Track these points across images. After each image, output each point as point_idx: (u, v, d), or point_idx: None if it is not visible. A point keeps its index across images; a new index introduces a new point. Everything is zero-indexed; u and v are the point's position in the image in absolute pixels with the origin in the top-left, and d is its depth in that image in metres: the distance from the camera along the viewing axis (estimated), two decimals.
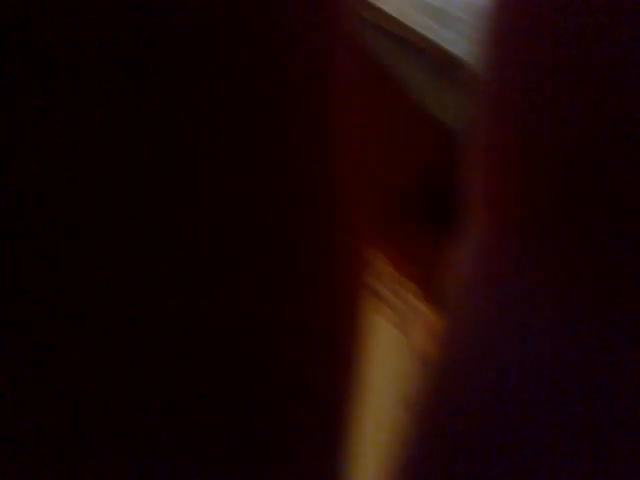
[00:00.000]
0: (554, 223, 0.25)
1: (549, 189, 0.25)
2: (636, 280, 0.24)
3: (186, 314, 0.22)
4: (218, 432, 0.23)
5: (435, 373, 0.29)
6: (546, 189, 0.25)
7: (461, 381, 0.28)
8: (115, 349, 0.21)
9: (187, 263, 0.21)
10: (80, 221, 0.20)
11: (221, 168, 0.21)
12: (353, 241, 0.26)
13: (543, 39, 0.25)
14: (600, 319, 0.24)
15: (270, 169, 0.22)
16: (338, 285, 0.25)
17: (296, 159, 0.23)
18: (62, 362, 0.21)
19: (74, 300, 0.20)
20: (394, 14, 0.36)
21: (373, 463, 0.30)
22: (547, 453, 0.25)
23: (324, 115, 0.24)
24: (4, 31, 0.18)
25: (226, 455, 0.23)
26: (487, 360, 0.27)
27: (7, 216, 0.19)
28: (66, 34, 0.18)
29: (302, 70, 0.22)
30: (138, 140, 0.20)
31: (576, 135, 0.24)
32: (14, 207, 0.19)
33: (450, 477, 0.28)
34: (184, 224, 0.21)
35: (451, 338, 0.29)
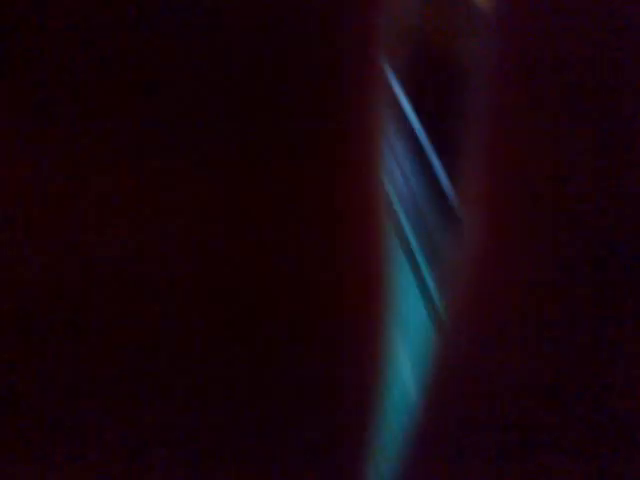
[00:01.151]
0: (552, 224, 0.25)
1: (547, 191, 0.25)
2: (634, 279, 0.24)
3: None
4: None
5: (435, 373, 0.29)
6: (544, 191, 0.25)
7: (461, 379, 0.28)
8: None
9: None
10: None
11: None
12: None
13: (542, 35, 0.25)
14: (598, 318, 0.24)
15: None
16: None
17: None
18: None
19: None
20: None
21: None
22: (546, 453, 0.26)
23: None
24: None
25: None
26: (486, 358, 0.27)
27: None
28: None
29: None
30: None
31: (575, 136, 0.24)
32: None
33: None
34: None
35: (452, 338, 0.29)
